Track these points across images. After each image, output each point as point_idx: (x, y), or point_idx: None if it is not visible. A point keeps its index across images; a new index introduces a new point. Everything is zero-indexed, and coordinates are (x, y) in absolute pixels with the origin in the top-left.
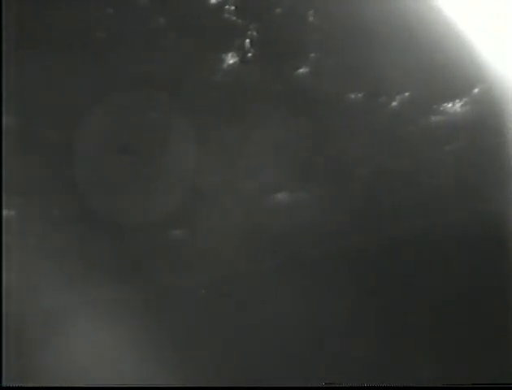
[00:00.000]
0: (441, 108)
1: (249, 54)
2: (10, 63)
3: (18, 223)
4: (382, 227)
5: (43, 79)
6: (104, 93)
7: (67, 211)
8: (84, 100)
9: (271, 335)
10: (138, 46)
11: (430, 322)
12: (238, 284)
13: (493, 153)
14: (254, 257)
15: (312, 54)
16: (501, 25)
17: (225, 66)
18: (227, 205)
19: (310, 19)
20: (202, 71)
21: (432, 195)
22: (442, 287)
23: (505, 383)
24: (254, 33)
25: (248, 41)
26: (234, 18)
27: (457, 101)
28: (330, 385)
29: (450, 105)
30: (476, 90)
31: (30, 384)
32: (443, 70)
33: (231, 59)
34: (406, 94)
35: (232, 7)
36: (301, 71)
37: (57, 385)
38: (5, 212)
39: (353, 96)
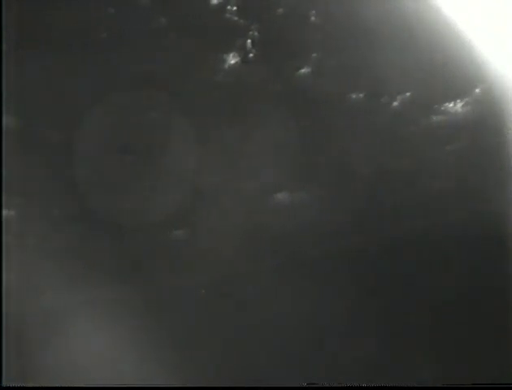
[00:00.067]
0: (442, 108)
1: (251, 54)
2: (10, 63)
3: (18, 223)
4: (382, 227)
5: (43, 79)
6: (104, 93)
7: (67, 211)
8: (84, 100)
9: (271, 335)
10: (139, 46)
11: (430, 322)
12: (238, 284)
13: (494, 153)
14: (255, 257)
15: (314, 54)
16: (502, 25)
17: (226, 66)
18: (227, 206)
19: (312, 19)
20: (204, 71)
21: (433, 195)
22: (442, 287)
23: (505, 383)
24: (256, 33)
25: (249, 41)
26: (236, 18)
27: (458, 101)
28: (330, 385)
29: (451, 105)
30: (477, 90)
31: (30, 384)
32: (444, 70)
33: (232, 59)
34: (407, 94)
35: (234, 7)
36: (302, 71)
37: (57, 385)
38: (5, 212)
39: (354, 96)
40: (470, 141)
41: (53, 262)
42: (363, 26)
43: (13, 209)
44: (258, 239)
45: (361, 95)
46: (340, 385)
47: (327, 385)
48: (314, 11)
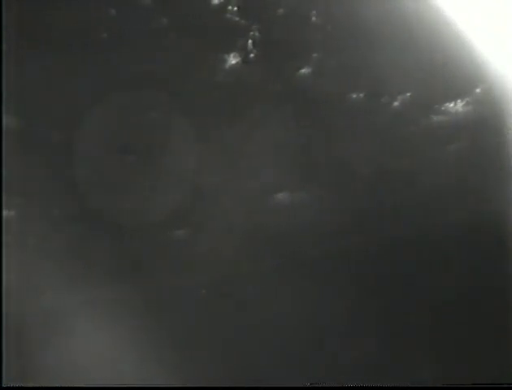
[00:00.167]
0: (443, 108)
1: (252, 55)
2: (11, 63)
3: (18, 223)
4: (382, 227)
5: (43, 79)
6: (105, 93)
7: (67, 211)
8: (84, 100)
9: (271, 335)
10: (140, 46)
11: (430, 322)
12: (238, 284)
13: (495, 153)
14: (255, 257)
15: (314, 55)
16: (502, 24)
17: (227, 66)
18: (227, 206)
19: (313, 19)
20: (204, 71)
21: (433, 195)
22: (442, 287)
23: (505, 383)
24: (257, 34)
25: (250, 41)
26: (236, 18)
27: (458, 101)
28: (330, 385)
29: (452, 105)
30: (478, 90)
31: (30, 384)
32: (444, 70)
33: (233, 59)
34: (408, 94)
35: (235, 8)
36: (303, 71)
37: (57, 385)
38: (5, 212)
39: (354, 96)
40: (471, 141)
41: (53, 262)
42: (364, 26)
43: (13, 209)
44: (259, 239)
45: (361, 95)
46: (340, 385)
47: (327, 385)
48: (314, 11)
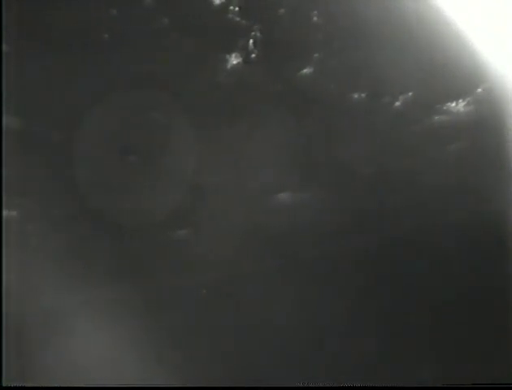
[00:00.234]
0: (445, 108)
1: (253, 55)
2: (11, 63)
3: (18, 223)
4: (383, 227)
5: (43, 79)
6: (106, 93)
7: (67, 211)
8: (84, 100)
9: (271, 335)
10: (141, 46)
11: (430, 322)
12: (239, 284)
13: (497, 152)
14: (256, 257)
15: (315, 55)
16: (504, 24)
17: (228, 66)
18: (228, 206)
19: (314, 19)
20: (206, 72)
21: (434, 195)
22: (442, 287)
23: (505, 383)
24: (258, 34)
25: (251, 41)
26: (238, 18)
27: (460, 100)
28: (330, 385)
29: (453, 104)
30: (479, 90)
31: (30, 384)
32: (446, 70)
33: (234, 60)
34: (410, 94)
35: (236, 8)
36: (304, 71)
37: (57, 385)
38: (5, 212)
39: (356, 96)
40: (472, 141)
41: (53, 262)
42: (365, 26)
43: (13, 209)
44: (261, 239)
45: (363, 95)
46: (340, 385)
47: (327, 385)
48: (315, 12)
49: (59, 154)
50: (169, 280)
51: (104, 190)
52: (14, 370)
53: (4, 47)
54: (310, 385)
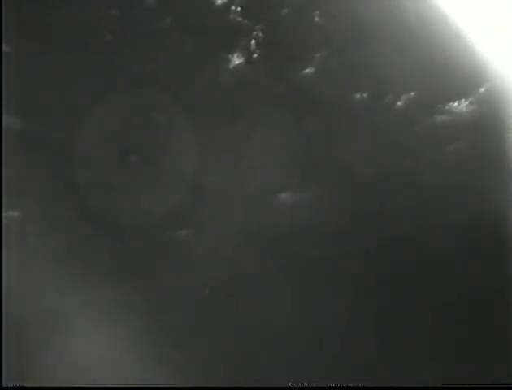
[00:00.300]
0: (447, 107)
1: (255, 55)
2: (11, 63)
3: (18, 223)
4: (383, 227)
5: (43, 79)
6: (106, 93)
7: (68, 211)
8: (85, 100)
9: (271, 335)
10: (142, 46)
11: (430, 322)
12: (239, 284)
13: (499, 152)
14: (256, 257)
15: (318, 55)
16: (507, 24)
17: (230, 66)
18: (230, 206)
19: (316, 19)
20: (207, 72)
21: (434, 195)
22: (442, 287)
23: (505, 383)
24: (260, 34)
25: (253, 41)
26: (240, 18)
27: (462, 100)
28: (330, 385)
29: (456, 104)
30: (482, 89)
31: (30, 384)
32: (448, 69)
33: (236, 60)
34: (412, 94)
35: (238, 8)
36: (306, 71)
37: (57, 385)
38: (5, 212)
39: (358, 96)
40: (475, 141)
41: (53, 262)
42: (367, 27)
43: (13, 209)
44: (260, 239)
45: (364, 95)
46: (340, 385)
47: (327, 385)
48: (317, 12)
49: (59, 154)
50: (169, 280)
51: (104, 190)
52: (14, 370)
53: (4, 47)
54: (310, 385)
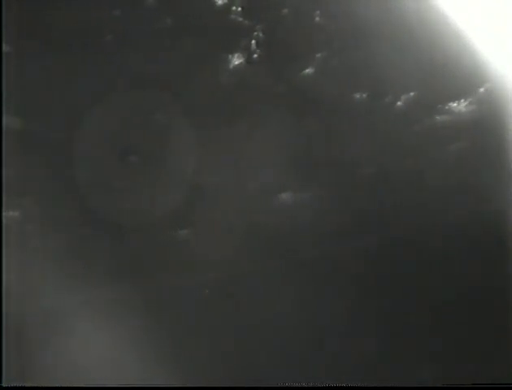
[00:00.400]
0: (447, 107)
1: (255, 55)
2: (11, 63)
3: (18, 223)
4: (383, 227)
5: (43, 79)
6: (107, 93)
7: (68, 211)
8: (85, 100)
9: (271, 335)
10: (143, 46)
11: (430, 322)
12: (239, 284)
13: (499, 152)
14: (256, 257)
15: (318, 55)
16: (507, 24)
17: (231, 66)
18: (230, 206)
19: (317, 19)
20: (208, 72)
21: (434, 195)
22: (442, 287)
23: (505, 383)
24: (260, 34)
25: (254, 41)
26: (240, 18)
27: (462, 100)
28: (330, 385)
29: (455, 104)
30: (482, 89)
31: (30, 384)
32: (448, 69)
33: (236, 60)
34: (411, 94)
35: (239, 8)
36: (307, 71)
37: (57, 385)
38: (5, 212)
39: (358, 96)
40: (475, 141)
41: (53, 262)
42: (368, 27)
43: (13, 209)
44: (260, 239)
45: (364, 95)
46: (340, 385)
47: (327, 385)
48: (318, 12)
49: (59, 154)
50: (169, 280)
51: (104, 190)
52: (14, 370)
53: (4, 47)
54: (310, 385)
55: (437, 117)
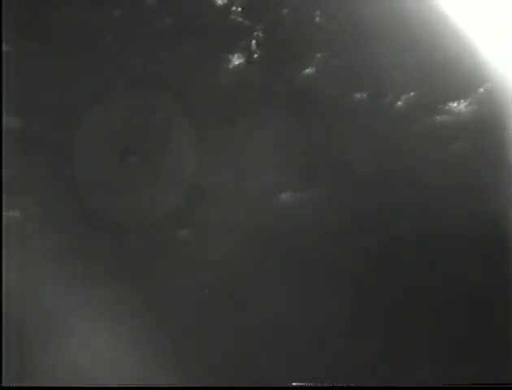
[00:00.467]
0: (446, 108)
1: (255, 55)
2: (11, 63)
3: (18, 223)
4: (383, 227)
5: (43, 79)
6: (107, 93)
7: (68, 211)
8: (85, 100)
9: (271, 335)
10: (143, 46)
11: (430, 322)
12: (239, 284)
13: (499, 152)
14: (256, 257)
15: (318, 55)
16: (507, 24)
17: (231, 66)
18: (230, 206)
19: (317, 19)
20: (208, 72)
21: (434, 195)
22: (442, 287)
23: (505, 383)
24: (260, 34)
25: (254, 41)
26: (240, 19)
27: (462, 100)
28: (330, 385)
29: (455, 104)
30: (481, 90)
31: (30, 384)
32: (448, 69)
33: (237, 60)
34: (411, 94)
35: (239, 8)
36: (307, 71)
37: (57, 385)
38: (5, 212)
39: (358, 96)
40: (474, 141)
41: (53, 262)
42: (368, 26)
43: (13, 209)
44: (261, 239)
45: (364, 95)
46: (340, 385)
47: (327, 385)
48: (318, 12)
49: (59, 154)
50: (169, 280)
51: (104, 190)
52: (14, 370)
53: (4, 47)
54: (310, 385)
55: (437, 117)
